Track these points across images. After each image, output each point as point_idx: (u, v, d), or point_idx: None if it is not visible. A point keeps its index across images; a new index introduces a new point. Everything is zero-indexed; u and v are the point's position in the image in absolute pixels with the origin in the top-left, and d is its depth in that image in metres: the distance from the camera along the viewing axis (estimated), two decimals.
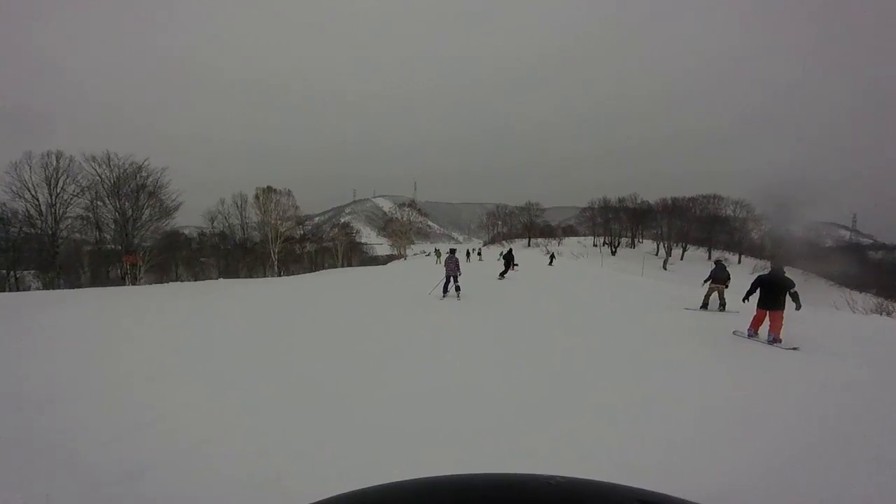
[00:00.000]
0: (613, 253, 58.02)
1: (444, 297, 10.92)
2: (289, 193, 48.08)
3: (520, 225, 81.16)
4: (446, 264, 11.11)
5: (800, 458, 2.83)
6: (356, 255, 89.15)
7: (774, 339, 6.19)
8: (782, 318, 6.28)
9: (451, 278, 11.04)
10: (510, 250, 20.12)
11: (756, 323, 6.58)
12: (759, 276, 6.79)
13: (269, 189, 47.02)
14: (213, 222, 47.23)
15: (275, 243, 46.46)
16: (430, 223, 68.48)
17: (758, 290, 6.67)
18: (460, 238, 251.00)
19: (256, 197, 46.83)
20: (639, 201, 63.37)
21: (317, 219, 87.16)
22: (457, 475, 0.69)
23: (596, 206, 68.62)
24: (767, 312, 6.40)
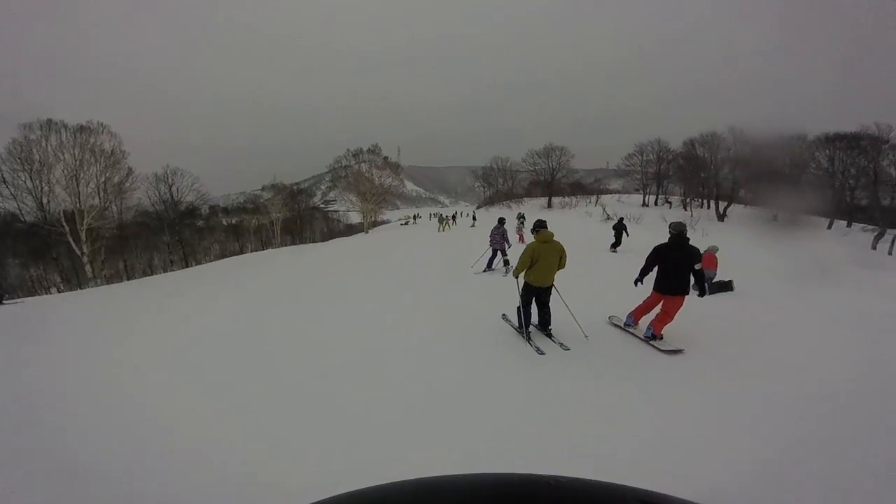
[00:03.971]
0: (721, 218, 35.84)
1: (485, 271, 9.54)
2: (104, 129, 24.30)
3: (527, 181, 58.21)
4: (492, 236, 9.72)
5: None
6: (318, 226, 67.99)
7: (654, 335, 4.72)
8: (681, 306, 4.68)
9: (499, 252, 9.62)
10: (621, 220, 14.71)
11: (641, 310, 5.02)
12: (657, 246, 4.78)
13: (50, 123, 22.99)
14: None
15: (81, 219, 23.16)
16: (405, 182, 44.68)
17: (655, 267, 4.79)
18: (447, 201, 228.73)
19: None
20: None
21: (294, 188, 66.67)
22: (457, 475, 0.68)
23: (654, 151, 45.72)
24: (664, 297, 4.71)
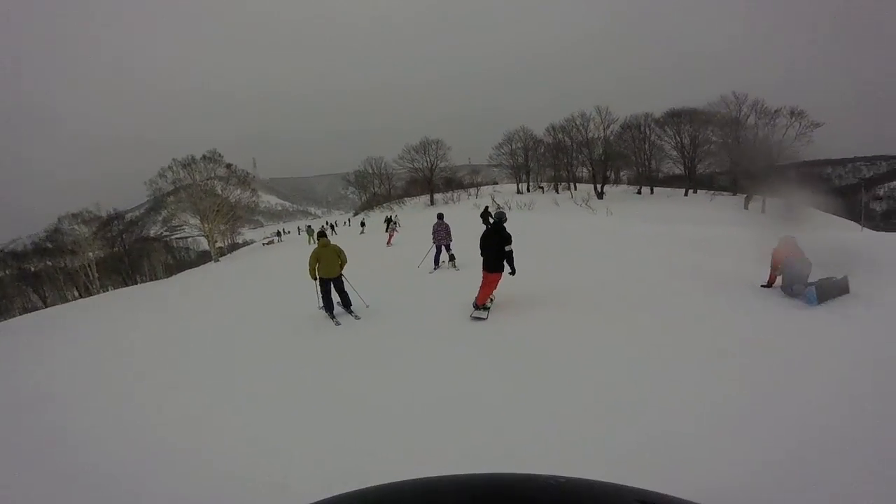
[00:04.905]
0: (600, 196, 36.60)
1: (435, 269, 9.42)
2: None
3: (404, 180, 55.16)
4: (435, 232, 9.60)
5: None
6: (159, 258, 55.61)
7: (476, 305, 5.58)
8: (496, 280, 5.53)
9: (443, 248, 9.56)
10: (486, 208, 16.42)
11: (483, 287, 5.63)
12: (484, 232, 5.82)
13: None
14: None
15: None
16: (265, 195, 36.69)
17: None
18: (318, 212, 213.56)
19: None
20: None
21: (129, 215, 51.31)
22: (457, 475, 0.69)
23: (521, 139, 46.00)
24: (485, 275, 5.58)
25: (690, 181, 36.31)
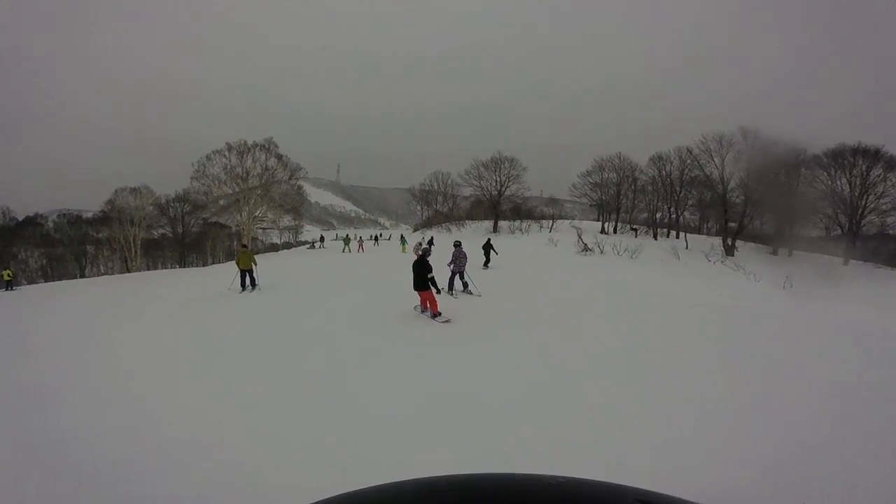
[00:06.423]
0: (730, 250, 27.65)
1: (450, 293, 9.88)
2: None
3: (468, 201, 49.57)
4: (456, 259, 10.17)
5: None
6: (224, 245, 56.23)
7: (433, 315, 7.24)
8: (429, 297, 7.23)
9: (459, 274, 10.24)
10: (489, 240, 15.87)
11: (421, 302, 7.57)
12: (413, 262, 7.44)
13: None
14: None
15: None
16: (303, 188, 32.82)
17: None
18: (387, 223, 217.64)
19: None
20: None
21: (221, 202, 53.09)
22: (457, 475, 0.69)
23: (615, 167, 38.37)
24: (419, 293, 7.38)
25: (854, 244, 26.15)
